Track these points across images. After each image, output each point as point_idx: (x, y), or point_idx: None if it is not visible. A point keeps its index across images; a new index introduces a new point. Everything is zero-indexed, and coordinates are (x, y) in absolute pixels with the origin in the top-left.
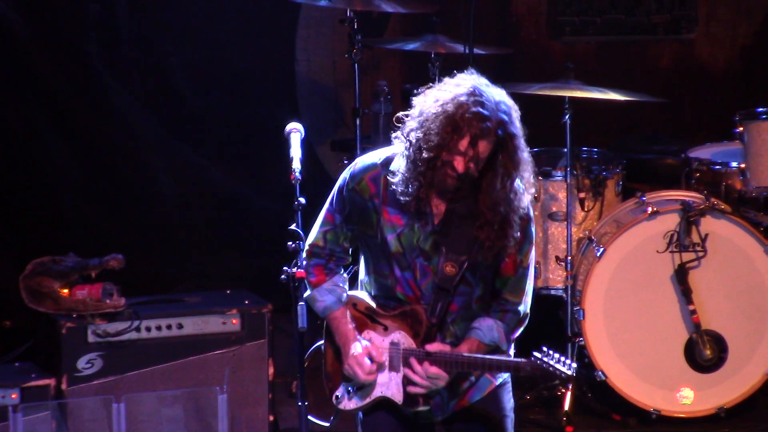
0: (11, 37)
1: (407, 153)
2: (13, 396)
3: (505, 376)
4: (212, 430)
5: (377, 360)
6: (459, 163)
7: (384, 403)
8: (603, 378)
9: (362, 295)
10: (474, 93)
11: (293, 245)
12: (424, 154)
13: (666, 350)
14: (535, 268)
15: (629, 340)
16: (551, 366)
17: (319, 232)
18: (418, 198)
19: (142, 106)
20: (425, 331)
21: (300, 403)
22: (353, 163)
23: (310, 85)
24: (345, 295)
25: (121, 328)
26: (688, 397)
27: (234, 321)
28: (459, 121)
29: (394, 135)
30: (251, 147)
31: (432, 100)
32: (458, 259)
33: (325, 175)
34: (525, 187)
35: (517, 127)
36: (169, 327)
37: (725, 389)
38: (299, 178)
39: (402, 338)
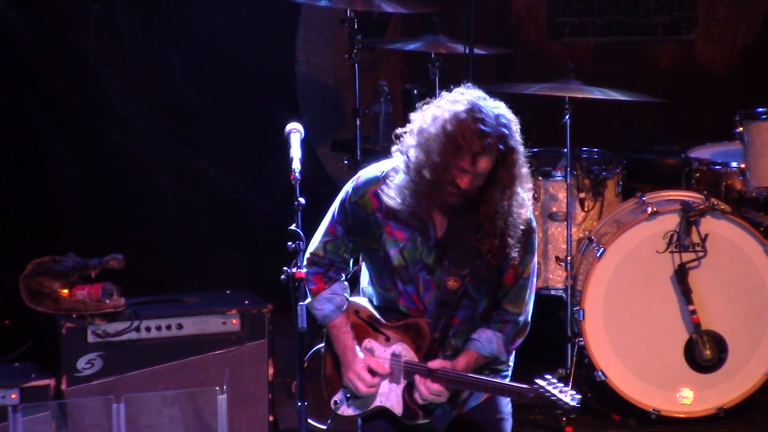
0: (11, 37)
1: (406, 170)
2: (13, 396)
3: (502, 376)
4: (212, 431)
5: (380, 373)
6: (462, 181)
7: (383, 411)
8: (603, 378)
9: (364, 302)
10: (473, 109)
11: (293, 245)
12: (426, 174)
13: (666, 350)
14: None
15: (629, 340)
16: (554, 396)
17: (320, 243)
18: (417, 214)
19: (141, 106)
20: (428, 346)
21: (299, 404)
22: (356, 177)
23: (310, 85)
24: (345, 303)
25: (121, 329)
26: (688, 397)
27: (234, 321)
28: (460, 140)
29: (394, 149)
30: (251, 147)
31: (430, 119)
32: (461, 273)
33: (325, 176)
34: (520, 203)
35: (517, 140)
36: (168, 327)
37: (725, 389)
38: (299, 178)
39: (404, 351)
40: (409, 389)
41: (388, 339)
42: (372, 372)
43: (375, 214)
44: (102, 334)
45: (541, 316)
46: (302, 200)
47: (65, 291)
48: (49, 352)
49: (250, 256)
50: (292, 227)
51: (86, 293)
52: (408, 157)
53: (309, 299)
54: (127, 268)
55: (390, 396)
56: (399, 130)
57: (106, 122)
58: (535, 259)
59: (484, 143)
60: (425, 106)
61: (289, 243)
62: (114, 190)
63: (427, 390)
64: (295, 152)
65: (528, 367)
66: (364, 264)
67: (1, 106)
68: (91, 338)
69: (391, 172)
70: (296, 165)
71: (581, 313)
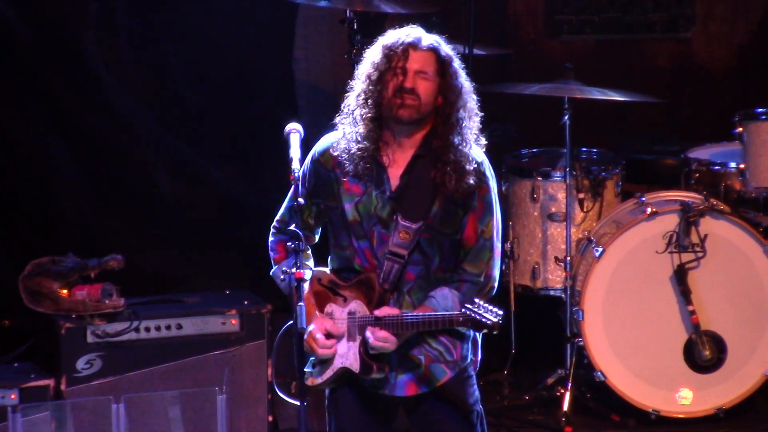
0: (11, 37)
1: (352, 113)
2: (13, 396)
3: (462, 367)
4: (211, 431)
5: (336, 334)
6: (406, 80)
7: (346, 377)
8: (602, 378)
9: (326, 270)
10: (403, 28)
11: (293, 245)
12: (369, 93)
13: (665, 351)
14: (534, 268)
15: (628, 340)
16: (479, 314)
17: (286, 208)
18: (373, 162)
19: (141, 106)
20: (378, 298)
21: (299, 404)
22: (320, 139)
23: (309, 85)
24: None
25: (120, 329)
26: (687, 397)
27: (233, 321)
28: (391, 41)
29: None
30: (251, 147)
31: (365, 56)
32: (411, 227)
33: None
34: (469, 116)
35: (453, 53)
36: (168, 327)
37: (724, 390)
38: (299, 178)
39: (358, 307)
40: (364, 345)
41: (345, 300)
42: (329, 335)
43: (334, 170)
44: (101, 334)
45: (541, 316)
46: (302, 200)
47: (65, 291)
48: (48, 353)
49: (250, 256)
50: (292, 227)
51: (86, 293)
52: (350, 103)
53: (273, 269)
54: (126, 268)
55: (348, 355)
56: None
57: (106, 122)
58: (496, 219)
59: (414, 39)
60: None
61: (289, 243)
62: (114, 190)
63: (374, 337)
64: (295, 152)
65: (528, 367)
66: (328, 228)
67: (1, 106)
68: (90, 338)
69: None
70: (296, 165)
71: (580, 313)
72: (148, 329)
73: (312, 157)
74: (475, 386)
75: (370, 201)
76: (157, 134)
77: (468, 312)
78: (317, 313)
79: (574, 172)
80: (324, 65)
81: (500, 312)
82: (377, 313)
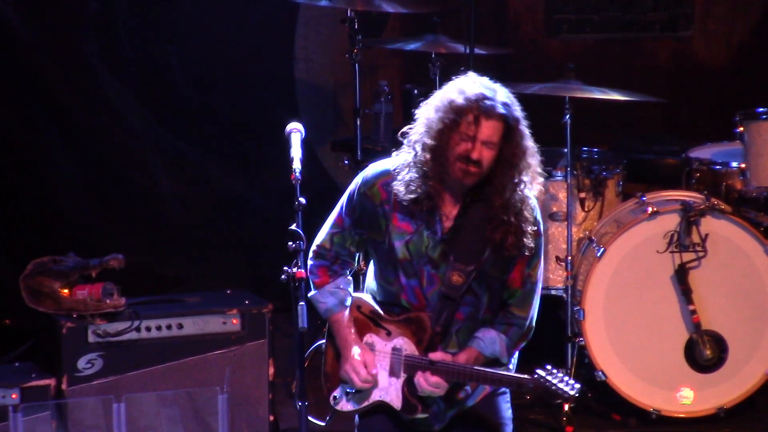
0: (11, 37)
1: (413, 159)
2: (13, 396)
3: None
4: (212, 430)
5: (371, 371)
6: (470, 150)
7: (382, 407)
8: (603, 378)
9: (367, 297)
10: (473, 81)
11: (293, 245)
12: (433, 151)
13: (666, 350)
14: None
15: (629, 340)
16: (554, 385)
17: (327, 234)
18: (426, 206)
19: (141, 106)
20: (429, 339)
21: (299, 403)
22: (366, 169)
23: (309, 85)
24: (348, 298)
25: (121, 328)
26: (688, 397)
27: (234, 321)
28: (461, 105)
29: (401, 148)
30: (251, 147)
31: (432, 105)
32: (466, 269)
33: (325, 176)
34: (532, 177)
35: (521, 114)
36: (169, 327)
37: (725, 389)
38: (299, 178)
39: (405, 344)
40: (409, 383)
41: (389, 333)
42: (369, 367)
43: (383, 206)
44: (102, 334)
45: (541, 316)
46: (302, 200)
47: (65, 291)
48: (49, 352)
49: (250, 256)
50: (292, 227)
51: (86, 293)
52: (414, 148)
53: (312, 292)
54: (127, 268)
55: (389, 390)
56: (405, 128)
57: (106, 122)
58: (542, 263)
59: (485, 104)
60: (427, 100)
61: (289, 243)
62: (114, 190)
63: (426, 382)
64: (296, 152)
65: (528, 367)
66: (371, 261)
67: (1, 106)
68: (91, 338)
69: (400, 167)
70: (296, 165)
71: (581, 312)
72: (149, 329)
73: (359, 189)
74: (509, 402)
75: (421, 240)
76: (156, 134)
77: (541, 380)
78: (357, 341)
79: (575, 172)
80: (324, 65)
81: (577, 385)
82: (432, 356)
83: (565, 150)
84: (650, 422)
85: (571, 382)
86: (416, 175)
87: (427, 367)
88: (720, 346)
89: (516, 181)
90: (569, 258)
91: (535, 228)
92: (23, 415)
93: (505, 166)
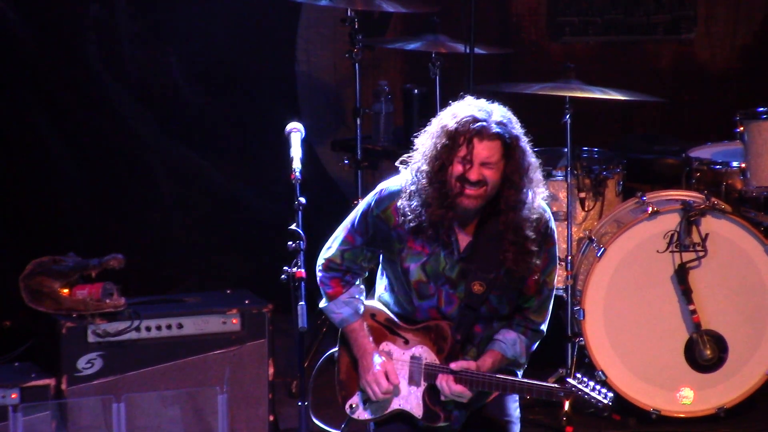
0: (12, 38)
1: (415, 187)
2: (13, 396)
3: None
4: (212, 430)
5: (393, 382)
6: (469, 173)
7: (398, 415)
8: (603, 378)
9: (381, 306)
10: (468, 104)
11: (293, 245)
12: (433, 180)
13: (666, 350)
14: None
15: (629, 340)
16: (587, 394)
17: (338, 251)
18: (432, 225)
19: (141, 106)
20: (449, 348)
21: (300, 403)
22: (378, 190)
23: (310, 84)
24: (362, 307)
25: (121, 328)
26: (688, 397)
27: (234, 321)
28: (455, 129)
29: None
30: (251, 147)
31: (429, 130)
32: (486, 277)
33: (325, 175)
34: (536, 191)
35: (520, 131)
36: (169, 327)
37: (725, 389)
38: (299, 177)
39: (424, 353)
40: (430, 392)
41: (406, 342)
42: (390, 377)
43: (397, 229)
44: (102, 333)
45: None
46: (302, 200)
47: (65, 291)
48: (49, 352)
49: (250, 256)
50: (292, 227)
51: (86, 293)
52: (415, 176)
53: (324, 303)
54: (127, 268)
55: (410, 399)
56: (404, 156)
57: (106, 122)
58: (557, 267)
59: (477, 126)
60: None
61: (289, 243)
62: (114, 190)
63: (449, 390)
64: (296, 152)
65: (529, 367)
66: (384, 272)
67: (1, 106)
68: (91, 338)
69: (405, 193)
70: (296, 165)
71: (581, 312)
72: (149, 329)
73: (371, 211)
74: (518, 401)
75: (437, 262)
76: (156, 134)
77: (573, 389)
78: (376, 350)
79: (576, 172)
80: (325, 65)
81: (610, 393)
82: (453, 367)
83: (566, 150)
84: (650, 422)
85: (604, 390)
86: (417, 203)
87: (450, 373)
88: (720, 346)
89: (520, 198)
90: (569, 258)
91: (547, 235)
92: (23, 415)
93: (506, 185)
